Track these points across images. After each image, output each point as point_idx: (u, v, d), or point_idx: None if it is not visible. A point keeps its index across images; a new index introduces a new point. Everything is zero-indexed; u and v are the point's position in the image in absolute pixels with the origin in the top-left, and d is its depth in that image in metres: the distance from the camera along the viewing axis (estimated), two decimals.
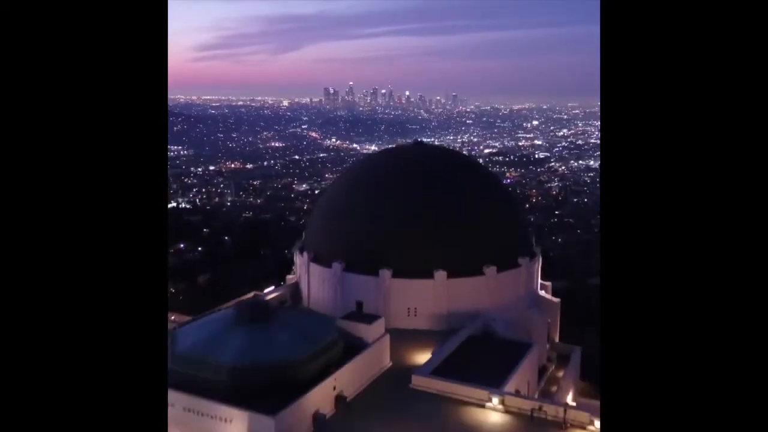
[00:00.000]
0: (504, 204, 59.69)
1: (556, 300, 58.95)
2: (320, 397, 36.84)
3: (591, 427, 35.75)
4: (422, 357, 45.45)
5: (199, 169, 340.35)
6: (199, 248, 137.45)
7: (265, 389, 35.22)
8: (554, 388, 51.27)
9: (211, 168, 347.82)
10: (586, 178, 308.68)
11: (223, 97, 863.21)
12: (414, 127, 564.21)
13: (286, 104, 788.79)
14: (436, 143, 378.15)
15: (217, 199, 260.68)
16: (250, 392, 34.91)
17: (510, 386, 40.94)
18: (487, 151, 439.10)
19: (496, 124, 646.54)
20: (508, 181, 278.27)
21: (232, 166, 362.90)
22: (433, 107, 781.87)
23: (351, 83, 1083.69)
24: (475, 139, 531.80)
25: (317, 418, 36.14)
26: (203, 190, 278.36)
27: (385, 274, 51.06)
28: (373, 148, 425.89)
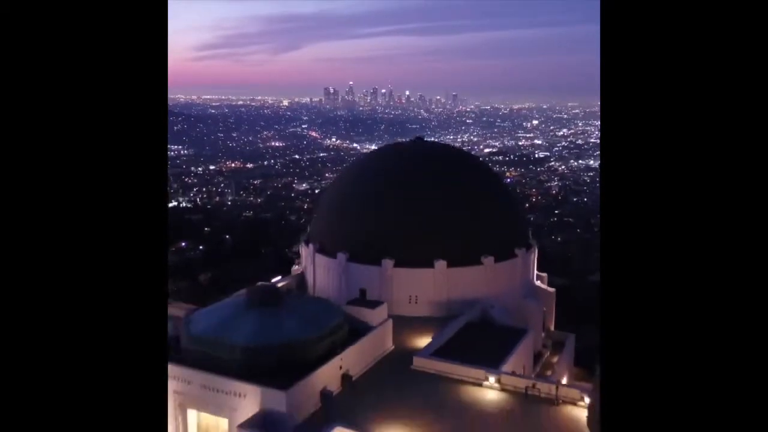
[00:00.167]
0: (501, 198, 62.13)
1: (552, 290, 61.39)
2: (327, 376, 39.23)
3: (581, 403, 38.07)
4: (423, 341, 47.79)
5: (200, 169, 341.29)
6: (200, 247, 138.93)
7: (275, 368, 37.54)
8: (549, 373, 53.64)
9: (212, 167, 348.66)
10: (585, 178, 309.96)
11: (223, 97, 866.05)
12: (414, 126, 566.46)
13: (286, 104, 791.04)
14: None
15: (217, 199, 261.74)
16: (262, 370, 37.25)
17: (506, 369, 43.23)
18: (487, 150, 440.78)
19: (496, 124, 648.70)
20: (508, 180, 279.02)
21: (233, 165, 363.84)
22: (433, 107, 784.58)
23: (351, 83, 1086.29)
24: (475, 139, 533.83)
25: (325, 394, 38.54)
26: (204, 189, 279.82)
27: (388, 263, 53.45)
28: (373, 147, 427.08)
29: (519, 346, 47.53)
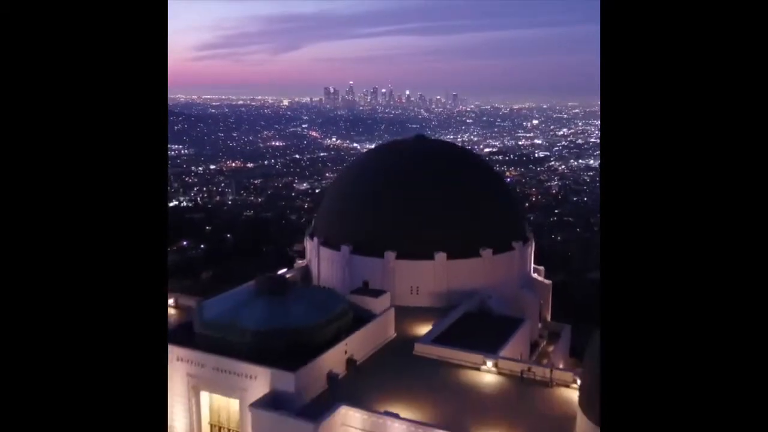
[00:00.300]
0: (499, 193, 64.20)
1: (548, 282, 63.43)
2: (333, 359, 41.28)
3: (574, 386, 40.08)
4: (424, 330, 49.73)
5: (200, 168, 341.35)
6: (202, 246, 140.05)
7: (284, 351, 39.57)
8: (545, 361, 55.58)
9: (212, 167, 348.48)
10: (585, 177, 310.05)
11: (223, 97, 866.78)
12: (414, 126, 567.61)
13: (287, 103, 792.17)
14: None
15: (218, 198, 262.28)
16: (271, 353, 39.29)
17: (503, 355, 45.27)
18: (487, 150, 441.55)
19: (496, 124, 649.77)
20: (508, 180, 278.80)
21: (233, 165, 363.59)
22: (434, 106, 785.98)
23: (351, 82, 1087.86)
24: (475, 138, 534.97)
25: (331, 377, 40.60)
26: (204, 188, 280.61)
27: (390, 255, 55.50)
28: (373, 147, 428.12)
29: (516, 334, 49.48)
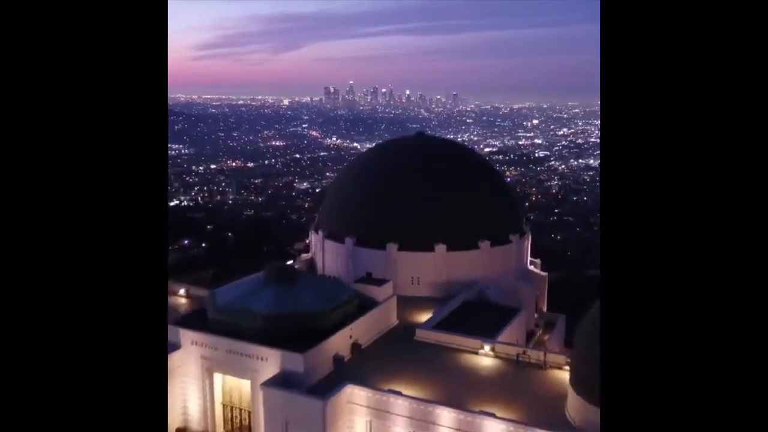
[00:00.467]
0: (497, 188, 66.67)
1: (544, 274, 65.91)
2: (339, 343, 43.69)
3: (566, 368, 42.43)
4: (424, 318, 52.01)
5: (201, 168, 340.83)
6: (203, 244, 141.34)
7: (293, 334, 41.95)
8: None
9: (213, 166, 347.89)
10: (585, 177, 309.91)
11: (223, 96, 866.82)
12: (414, 126, 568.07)
13: (287, 103, 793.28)
14: None
15: (218, 198, 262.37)
16: (280, 336, 41.69)
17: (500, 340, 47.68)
18: (487, 149, 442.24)
19: (497, 123, 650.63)
20: (509, 179, 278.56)
21: (233, 164, 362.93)
22: (434, 106, 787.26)
23: (351, 82, 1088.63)
24: (476, 138, 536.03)
25: (337, 359, 43.02)
26: (205, 188, 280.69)
27: (392, 247, 57.94)
28: (375, 145, 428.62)
29: (512, 322, 51.94)
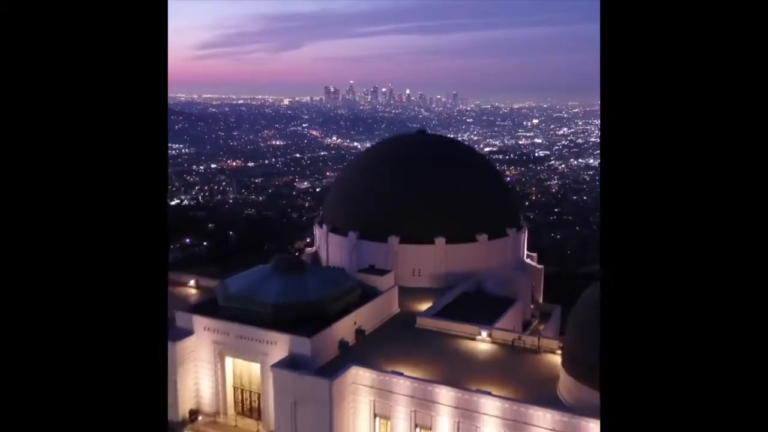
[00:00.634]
0: (494, 183, 69.14)
1: (540, 266, 68.22)
2: (344, 329, 46.09)
3: (559, 352, 44.79)
4: (425, 307, 54.44)
5: (201, 167, 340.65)
6: (204, 243, 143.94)
7: (300, 320, 44.34)
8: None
9: (213, 166, 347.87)
10: (585, 176, 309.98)
11: (223, 96, 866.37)
12: (414, 125, 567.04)
13: (287, 103, 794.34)
14: None
15: (219, 197, 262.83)
16: (289, 322, 44.07)
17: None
18: (487, 149, 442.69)
19: (497, 123, 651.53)
20: (509, 179, 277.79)
21: (234, 164, 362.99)
22: (434, 106, 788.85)
23: (351, 82, 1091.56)
24: (476, 138, 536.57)
25: (342, 344, 45.41)
26: (205, 187, 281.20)
27: (393, 240, 60.32)
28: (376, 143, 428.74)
29: (509, 311, 54.31)
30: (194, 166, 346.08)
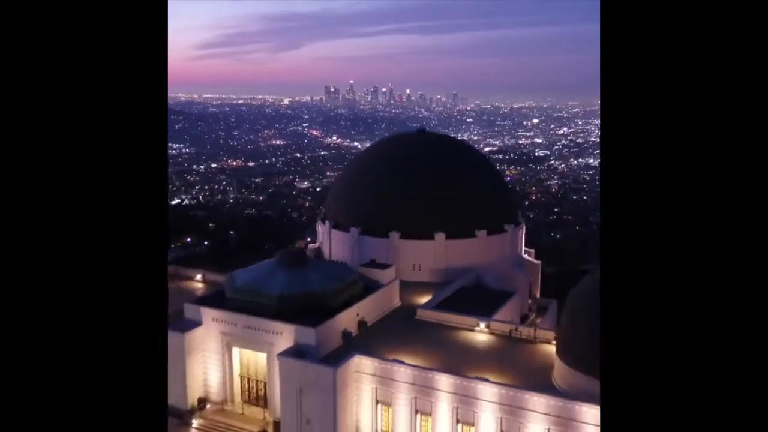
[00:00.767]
0: (493, 181, 70.84)
1: (537, 262, 69.98)
2: (347, 320, 47.77)
3: (554, 342, 46.42)
4: (425, 301, 56.16)
5: (201, 167, 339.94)
6: (205, 242, 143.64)
7: (305, 312, 46.01)
8: None
9: (213, 166, 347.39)
10: (585, 176, 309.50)
11: (224, 96, 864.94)
12: (414, 125, 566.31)
13: (287, 102, 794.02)
14: None
15: (219, 197, 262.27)
16: (294, 313, 45.75)
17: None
18: (487, 149, 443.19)
19: (497, 123, 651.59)
20: (509, 178, 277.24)
21: (234, 163, 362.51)
22: (434, 105, 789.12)
23: (351, 81, 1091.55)
24: (476, 137, 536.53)
25: (345, 334, 47.10)
26: (206, 187, 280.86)
27: (395, 236, 62.05)
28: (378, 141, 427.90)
29: (507, 304, 55.98)
30: (194, 166, 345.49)
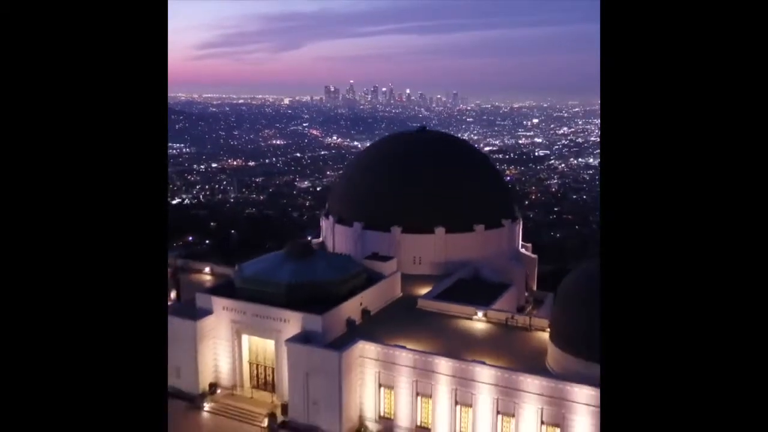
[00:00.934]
0: (491, 177, 73.32)
1: (534, 256, 72.38)
2: (351, 309, 50.15)
3: (548, 330, 48.74)
4: (425, 292, 58.50)
5: (202, 167, 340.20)
6: (207, 241, 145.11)
7: (311, 301, 48.36)
8: None
9: (214, 165, 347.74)
10: (585, 176, 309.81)
11: (224, 95, 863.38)
12: (414, 124, 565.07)
13: (287, 102, 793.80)
14: None
15: (220, 196, 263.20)
16: (300, 302, 48.11)
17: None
18: (487, 148, 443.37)
19: (497, 122, 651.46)
20: (509, 178, 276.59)
21: (234, 163, 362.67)
22: (434, 105, 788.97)
23: (351, 81, 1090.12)
24: (476, 137, 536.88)
25: (349, 322, 49.47)
26: (206, 186, 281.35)
27: (396, 230, 64.44)
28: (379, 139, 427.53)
29: (504, 295, 58.28)
30: (195, 166, 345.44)
